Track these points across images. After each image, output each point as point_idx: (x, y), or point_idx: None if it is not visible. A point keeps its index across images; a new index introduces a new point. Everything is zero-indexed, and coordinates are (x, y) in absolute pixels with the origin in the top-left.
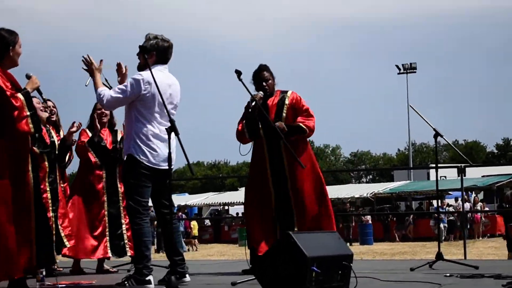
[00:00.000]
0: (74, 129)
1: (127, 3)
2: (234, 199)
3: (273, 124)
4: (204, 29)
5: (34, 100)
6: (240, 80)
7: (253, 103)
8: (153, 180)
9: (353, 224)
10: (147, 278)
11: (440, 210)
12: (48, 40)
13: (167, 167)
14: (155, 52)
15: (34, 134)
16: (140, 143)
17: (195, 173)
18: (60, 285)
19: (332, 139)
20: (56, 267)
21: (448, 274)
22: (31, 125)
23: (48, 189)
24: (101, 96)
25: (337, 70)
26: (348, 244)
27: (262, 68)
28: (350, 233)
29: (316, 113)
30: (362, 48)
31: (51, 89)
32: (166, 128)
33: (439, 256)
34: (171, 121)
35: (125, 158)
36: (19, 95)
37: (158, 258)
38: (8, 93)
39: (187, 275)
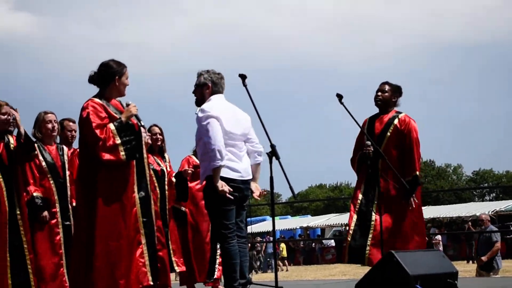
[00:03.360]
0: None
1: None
2: None
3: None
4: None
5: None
6: (342, 103)
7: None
8: (234, 198)
9: (475, 242)
10: None
11: None
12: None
13: (246, 182)
14: (210, 84)
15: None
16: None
17: (296, 196)
18: None
19: (453, 158)
20: None
21: None
22: (122, 153)
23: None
24: (216, 166)
25: (455, 91)
26: (470, 261)
27: (386, 82)
28: (473, 251)
29: (437, 133)
30: (477, 69)
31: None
32: (267, 153)
33: None
34: (272, 146)
35: (204, 182)
36: (110, 125)
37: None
38: (94, 124)
39: None
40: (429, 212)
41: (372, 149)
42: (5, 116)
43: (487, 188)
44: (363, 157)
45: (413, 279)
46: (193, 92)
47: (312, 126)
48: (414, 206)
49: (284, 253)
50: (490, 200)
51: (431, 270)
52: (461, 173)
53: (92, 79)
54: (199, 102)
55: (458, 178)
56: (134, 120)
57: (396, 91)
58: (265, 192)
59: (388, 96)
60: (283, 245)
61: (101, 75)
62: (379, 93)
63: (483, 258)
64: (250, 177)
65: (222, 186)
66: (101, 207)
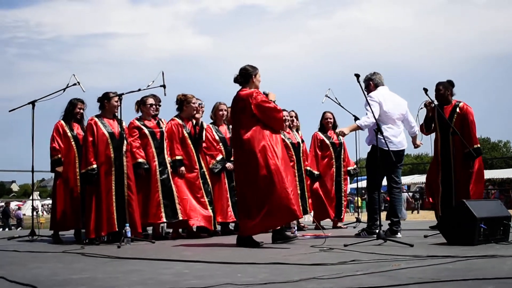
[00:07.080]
0: None
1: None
2: None
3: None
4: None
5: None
6: (427, 95)
7: (426, 108)
8: (386, 161)
9: None
10: (374, 230)
11: None
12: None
13: (400, 151)
14: (370, 82)
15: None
16: (378, 136)
17: (394, 159)
18: (306, 236)
19: (504, 135)
20: (302, 224)
21: None
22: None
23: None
24: (358, 124)
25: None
26: None
27: (438, 83)
28: None
29: (492, 115)
30: None
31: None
32: (374, 130)
33: None
34: (378, 124)
35: (370, 147)
36: (271, 103)
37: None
38: (275, 102)
39: (399, 233)
40: (486, 174)
41: (432, 104)
42: (195, 105)
43: None
44: (427, 119)
45: (478, 220)
46: (365, 88)
47: None
48: (473, 169)
49: (359, 204)
50: None
51: (492, 214)
52: (510, 146)
53: (237, 79)
54: (368, 92)
55: (507, 150)
56: None
57: (448, 86)
58: (421, 143)
59: (442, 93)
60: (357, 198)
61: (242, 75)
62: (436, 93)
63: None
64: (404, 147)
65: (342, 131)
66: (272, 158)
